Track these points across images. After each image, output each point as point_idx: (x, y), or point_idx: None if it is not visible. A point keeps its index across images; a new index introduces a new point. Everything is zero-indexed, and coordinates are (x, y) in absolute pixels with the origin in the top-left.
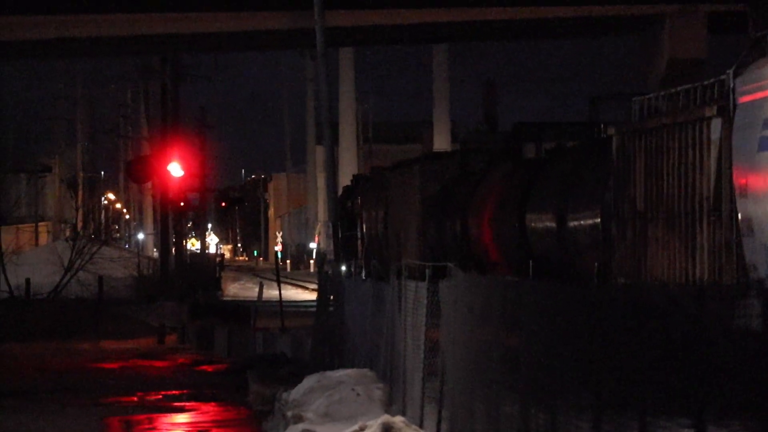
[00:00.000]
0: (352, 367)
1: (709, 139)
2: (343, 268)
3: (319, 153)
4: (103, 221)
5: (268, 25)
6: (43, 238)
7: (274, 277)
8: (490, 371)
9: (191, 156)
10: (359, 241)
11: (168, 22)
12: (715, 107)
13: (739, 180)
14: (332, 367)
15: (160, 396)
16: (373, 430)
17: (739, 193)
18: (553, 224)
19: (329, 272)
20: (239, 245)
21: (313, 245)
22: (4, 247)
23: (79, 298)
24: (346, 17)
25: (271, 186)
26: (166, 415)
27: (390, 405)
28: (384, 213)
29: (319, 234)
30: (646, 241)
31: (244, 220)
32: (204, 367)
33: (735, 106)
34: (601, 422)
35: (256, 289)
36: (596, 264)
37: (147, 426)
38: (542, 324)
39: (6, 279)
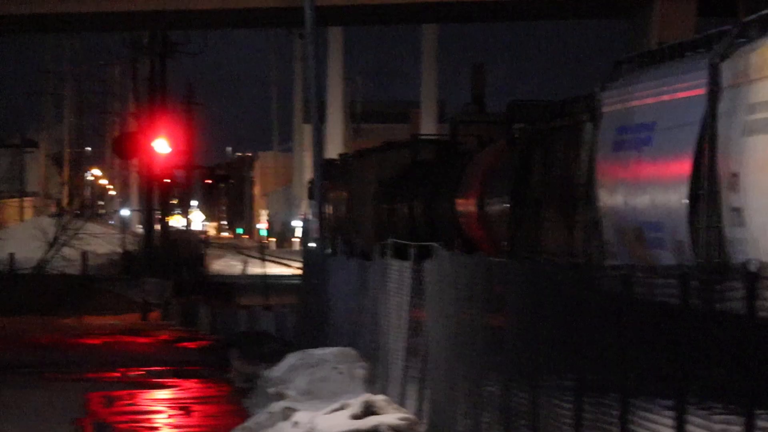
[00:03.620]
0: (335, 345)
1: (583, 139)
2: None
3: (306, 131)
4: (88, 197)
5: (257, 3)
6: (28, 214)
7: (259, 255)
8: (473, 351)
9: (178, 133)
10: (326, 222)
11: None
12: (588, 114)
13: (600, 173)
14: (315, 345)
15: (143, 372)
16: (354, 408)
17: (599, 183)
18: (474, 208)
19: (314, 250)
20: (224, 223)
21: (298, 223)
22: None
23: (63, 274)
24: None
25: (257, 164)
26: (147, 391)
27: (372, 383)
28: (347, 196)
29: (304, 213)
30: (541, 222)
31: (229, 198)
32: (187, 344)
33: (601, 115)
34: (582, 403)
35: (240, 267)
36: (504, 243)
37: (128, 401)
38: (526, 305)
39: None
